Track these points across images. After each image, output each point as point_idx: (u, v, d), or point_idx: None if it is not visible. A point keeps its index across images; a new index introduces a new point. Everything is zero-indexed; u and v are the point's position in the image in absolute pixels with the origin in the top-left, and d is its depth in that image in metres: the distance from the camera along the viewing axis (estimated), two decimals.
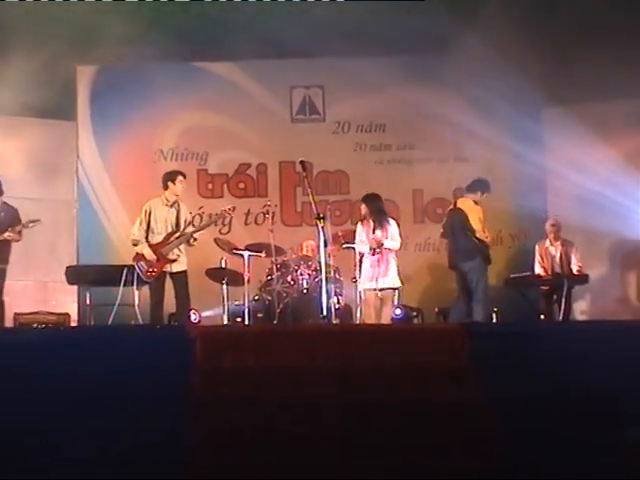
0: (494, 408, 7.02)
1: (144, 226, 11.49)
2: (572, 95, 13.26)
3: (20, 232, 11.46)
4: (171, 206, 11.57)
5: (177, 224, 11.52)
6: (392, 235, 11.84)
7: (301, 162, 11.67)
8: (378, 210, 12.00)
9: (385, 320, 11.66)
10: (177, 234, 11.44)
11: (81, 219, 15.02)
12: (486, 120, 13.99)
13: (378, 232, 11.79)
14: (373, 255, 11.68)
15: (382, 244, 11.68)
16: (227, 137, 15.31)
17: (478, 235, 11.62)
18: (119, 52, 15.01)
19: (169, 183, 11.60)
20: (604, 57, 12.60)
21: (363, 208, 12.14)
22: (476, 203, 11.85)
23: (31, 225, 11.59)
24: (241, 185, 15.37)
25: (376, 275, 11.69)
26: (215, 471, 6.39)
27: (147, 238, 11.43)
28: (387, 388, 7.31)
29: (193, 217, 12.49)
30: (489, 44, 12.82)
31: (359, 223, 12.17)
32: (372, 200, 12.10)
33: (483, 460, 6.62)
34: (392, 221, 12.07)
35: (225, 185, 15.35)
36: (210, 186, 15.06)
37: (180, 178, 11.64)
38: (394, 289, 11.92)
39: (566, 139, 13.74)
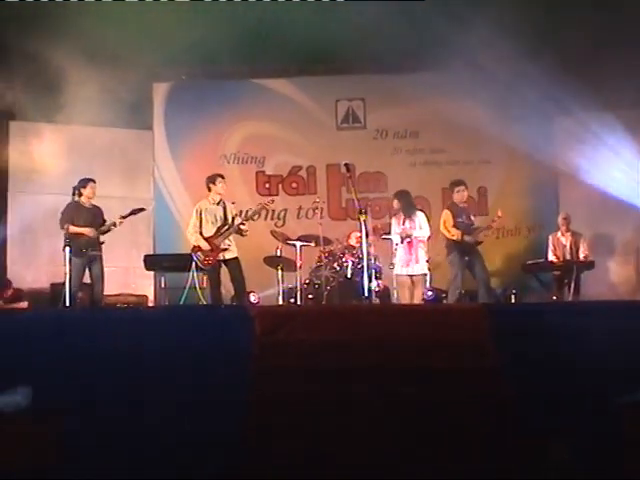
0: (511, 375, 7.10)
1: (197, 223, 11.54)
2: (580, 105, 13.20)
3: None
4: (217, 204, 11.57)
5: (225, 218, 11.56)
6: (420, 225, 11.87)
7: (345, 164, 11.77)
8: (407, 204, 12.04)
9: (417, 300, 11.70)
10: (226, 227, 11.49)
11: (157, 214, 15.17)
12: (506, 127, 13.93)
13: (407, 223, 11.84)
14: (403, 244, 11.74)
15: (410, 234, 11.73)
16: (281, 143, 15.38)
17: (448, 236, 11.89)
18: (189, 72, 15.26)
19: (211, 185, 11.60)
20: (610, 70, 12.64)
21: (395, 203, 12.16)
22: (449, 208, 12.17)
23: (137, 212, 11.80)
24: (294, 185, 15.44)
25: (407, 261, 11.76)
26: (272, 424, 6.54)
27: (201, 232, 11.52)
28: (419, 358, 7.39)
29: (247, 212, 12.49)
30: (507, 61, 12.85)
31: (393, 217, 12.22)
32: (402, 196, 12.14)
33: (500, 416, 6.71)
34: (420, 213, 12.09)
35: (280, 185, 15.43)
36: (267, 185, 15.16)
37: (219, 179, 11.64)
38: (423, 275, 11.96)
39: (575, 144, 13.72)
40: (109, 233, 11.63)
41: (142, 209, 11.89)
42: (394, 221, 12.09)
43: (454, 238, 11.85)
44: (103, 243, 11.60)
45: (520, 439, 6.49)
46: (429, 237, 12.01)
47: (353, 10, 11.94)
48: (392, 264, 11.98)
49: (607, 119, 13.60)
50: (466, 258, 11.71)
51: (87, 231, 11.33)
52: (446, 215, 12.05)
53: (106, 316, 9.29)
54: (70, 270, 10.94)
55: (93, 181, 11.72)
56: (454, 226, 11.91)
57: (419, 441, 6.44)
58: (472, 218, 12.15)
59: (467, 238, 11.80)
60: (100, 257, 11.51)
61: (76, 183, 11.59)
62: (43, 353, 7.31)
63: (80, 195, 11.52)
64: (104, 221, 11.62)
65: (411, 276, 11.83)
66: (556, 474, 6.20)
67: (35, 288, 13.54)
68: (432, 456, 6.34)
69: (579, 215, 13.42)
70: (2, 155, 14.32)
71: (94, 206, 11.73)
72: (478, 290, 11.70)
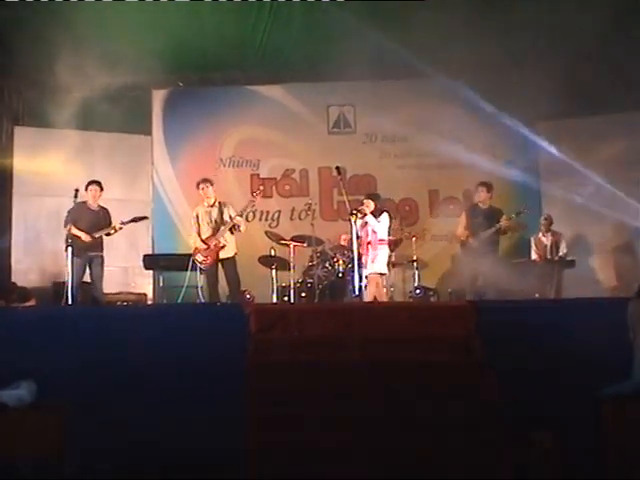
0: (495, 367, 7.13)
1: (196, 227, 11.72)
2: (561, 110, 13.22)
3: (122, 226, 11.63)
4: (212, 206, 11.69)
5: (222, 219, 11.60)
6: (377, 226, 11.15)
7: (337, 167, 11.79)
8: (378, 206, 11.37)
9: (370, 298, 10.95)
10: (222, 227, 11.54)
11: (155, 216, 15.11)
12: (489, 133, 13.97)
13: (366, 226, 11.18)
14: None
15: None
16: (275, 147, 15.36)
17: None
18: (186, 79, 15.26)
19: (200, 191, 11.83)
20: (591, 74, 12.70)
21: (368, 203, 11.24)
22: (467, 210, 12.36)
23: (139, 221, 11.80)
24: (287, 187, 15.42)
25: (366, 262, 11.04)
26: (268, 415, 6.55)
27: (199, 234, 11.60)
28: (408, 352, 7.42)
29: (242, 213, 12.45)
30: (490, 68, 12.90)
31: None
32: (375, 197, 11.57)
33: (484, 405, 6.75)
34: (384, 214, 11.27)
35: (274, 187, 15.39)
36: (261, 188, 15.11)
37: (202, 185, 11.82)
38: (380, 274, 11.22)
39: (556, 148, 13.75)
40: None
41: (144, 217, 11.92)
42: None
43: (461, 238, 12.11)
44: (103, 245, 11.61)
45: (504, 431, 6.52)
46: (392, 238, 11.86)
47: (341, 18, 11.90)
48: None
49: (589, 123, 13.67)
50: (473, 258, 11.69)
51: (83, 236, 11.31)
52: (462, 216, 12.28)
53: (107, 313, 9.32)
54: (72, 269, 10.94)
55: (97, 183, 11.71)
56: (465, 227, 12.08)
57: (406, 435, 6.47)
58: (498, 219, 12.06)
59: (471, 240, 11.85)
60: (101, 257, 11.50)
61: (78, 185, 11.60)
62: (46, 348, 7.33)
63: (76, 197, 11.48)
64: (110, 222, 11.62)
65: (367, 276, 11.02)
66: (539, 463, 6.23)
67: (39, 287, 13.50)
68: (419, 450, 6.37)
69: (560, 216, 13.41)
70: (7, 159, 14.31)
71: (101, 208, 11.73)
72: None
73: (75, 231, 11.30)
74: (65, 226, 11.38)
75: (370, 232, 11.07)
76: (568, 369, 7.31)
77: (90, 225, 11.44)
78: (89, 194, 11.61)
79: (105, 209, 11.75)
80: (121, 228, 11.59)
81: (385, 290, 11.58)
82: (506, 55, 12.57)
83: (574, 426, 6.67)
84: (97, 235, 11.44)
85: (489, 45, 11.86)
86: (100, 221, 11.57)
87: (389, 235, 11.49)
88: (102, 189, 11.78)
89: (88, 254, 11.32)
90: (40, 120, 14.24)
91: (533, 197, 14.41)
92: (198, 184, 11.86)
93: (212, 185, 11.94)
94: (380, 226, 11.10)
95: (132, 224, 11.84)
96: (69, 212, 11.49)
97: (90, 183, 11.71)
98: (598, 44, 12.34)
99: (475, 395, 6.92)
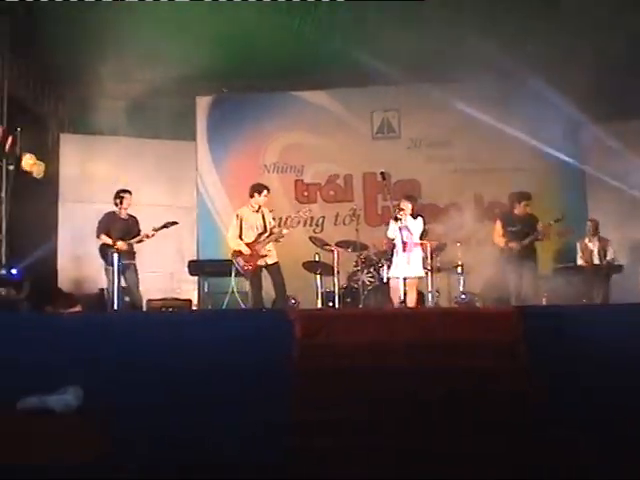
0: (542, 376, 7.06)
1: (237, 229, 11.56)
2: (607, 114, 13.12)
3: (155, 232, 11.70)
4: (257, 211, 11.60)
5: (264, 226, 11.58)
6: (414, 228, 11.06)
7: (381, 173, 11.73)
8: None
9: (411, 304, 10.93)
10: (265, 234, 11.49)
11: (200, 222, 15.27)
12: (536, 136, 13.88)
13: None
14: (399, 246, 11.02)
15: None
16: (319, 153, 15.40)
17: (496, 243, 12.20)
18: (231, 85, 15.34)
19: (255, 194, 11.58)
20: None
21: (405, 205, 11.20)
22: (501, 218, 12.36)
23: (170, 226, 11.82)
24: (331, 192, 15.46)
25: (402, 264, 10.92)
26: (313, 420, 6.54)
27: (241, 238, 11.53)
28: (453, 358, 7.38)
29: (286, 219, 12.41)
30: (537, 70, 12.81)
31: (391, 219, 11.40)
32: (412, 199, 11.47)
33: (531, 417, 6.68)
34: (419, 217, 11.15)
35: (318, 192, 15.45)
36: (306, 193, 15.16)
37: (265, 192, 11.62)
38: (418, 278, 11.19)
39: (602, 151, 13.64)
40: (154, 240, 11.71)
41: (174, 222, 11.92)
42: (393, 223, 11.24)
43: (501, 246, 11.99)
44: (135, 253, 11.74)
45: (551, 439, 6.45)
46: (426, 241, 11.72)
47: (385, 22, 11.90)
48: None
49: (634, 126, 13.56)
50: (515, 265, 11.60)
51: (120, 244, 11.45)
52: (497, 224, 12.21)
53: (152, 319, 9.36)
54: (111, 277, 11.10)
55: (129, 192, 11.86)
56: (502, 235, 11.99)
57: (451, 440, 6.42)
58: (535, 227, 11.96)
59: (511, 245, 11.75)
60: (134, 265, 11.62)
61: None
62: (92, 354, 7.37)
63: (116, 205, 11.66)
64: (139, 230, 11.73)
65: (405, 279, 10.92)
66: (584, 471, 6.16)
67: (85, 293, 13.63)
68: (463, 455, 6.32)
69: (607, 220, 13.29)
70: (53, 166, 14.46)
71: (130, 216, 11.88)
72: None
73: (107, 240, 11.48)
74: (97, 236, 11.58)
75: (407, 234, 10.96)
76: (616, 377, 7.23)
77: (122, 234, 11.62)
78: (123, 203, 11.73)
79: (134, 217, 11.91)
80: (153, 234, 11.68)
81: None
82: (553, 56, 12.46)
83: (622, 437, 6.58)
84: (132, 242, 11.57)
85: (537, 46, 11.80)
86: (131, 229, 11.74)
87: (422, 238, 11.37)
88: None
89: (122, 262, 11.42)
90: (86, 127, 14.43)
91: (579, 201, 14.31)
92: (261, 189, 11.66)
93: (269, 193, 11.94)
94: (416, 228, 11.06)
95: (176, 230, 11.93)
96: (100, 222, 11.69)
97: (123, 192, 11.84)
98: None
99: (521, 401, 6.87)
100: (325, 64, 14.41)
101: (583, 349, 7.41)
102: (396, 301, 10.89)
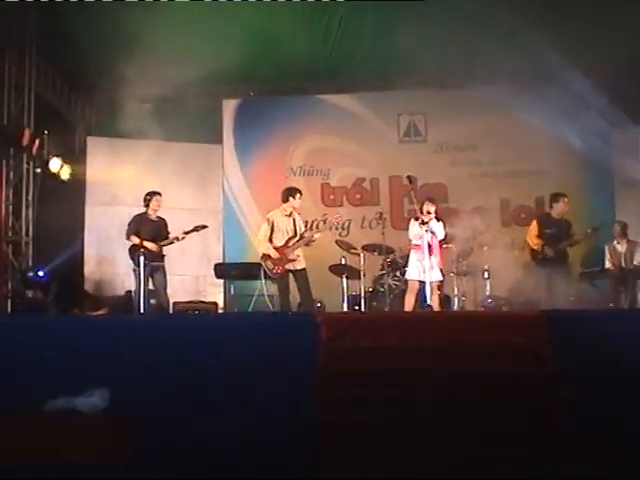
0: (570, 381, 7.02)
1: (268, 232, 11.45)
2: (635, 116, 13.07)
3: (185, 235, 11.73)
4: (289, 216, 11.53)
5: (295, 230, 11.54)
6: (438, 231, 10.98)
7: (407, 176, 11.68)
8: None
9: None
10: (296, 238, 11.46)
11: (226, 225, 15.31)
12: (562, 139, 13.82)
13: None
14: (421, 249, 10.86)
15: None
16: (345, 156, 15.41)
17: (531, 245, 12.09)
18: (257, 88, 15.39)
19: (290, 197, 11.46)
20: None
21: (430, 206, 11.09)
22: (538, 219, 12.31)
23: (200, 229, 11.84)
24: (357, 196, 15.47)
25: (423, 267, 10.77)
26: (339, 422, 6.55)
27: (271, 241, 11.49)
28: (478, 361, 7.35)
29: (312, 222, 12.41)
30: (564, 75, 12.75)
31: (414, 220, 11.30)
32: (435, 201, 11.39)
33: (559, 421, 6.65)
34: (440, 222, 11.10)
35: (344, 196, 15.47)
36: (332, 197, 15.18)
37: (299, 195, 11.53)
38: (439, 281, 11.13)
39: (631, 153, 13.59)
40: (181, 243, 11.75)
41: (204, 226, 11.93)
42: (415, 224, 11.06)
43: (535, 248, 11.91)
44: (165, 255, 11.74)
45: (580, 444, 6.42)
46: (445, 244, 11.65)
47: (411, 26, 11.87)
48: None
49: None
50: (546, 269, 11.56)
51: (150, 245, 11.45)
52: (533, 225, 12.12)
53: (178, 322, 9.39)
54: (139, 279, 11.11)
55: (159, 194, 11.83)
56: (538, 236, 11.91)
57: (482, 442, 6.42)
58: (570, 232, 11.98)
59: (546, 249, 11.70)
60: (162, 267, 11.63)
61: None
62: (119, 356, 7.40)
63: (147, 207, 11.68)
64: (168, 233, 11.75)
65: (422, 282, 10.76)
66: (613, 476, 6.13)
67: (111, 296, 13.69)
68: (492, 457, 6.31)
69: (636, 223, 13.20)
70: (80, 169, 14.54)
71: (159, 218, 11.86)
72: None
73: (137, 241, 11.49)
74: (127, 237, 11.58)
75: (431, 236, 10.85)
76: None
77: (151, 235, 11.60)
78: (152, 204, 11.74)
79: (163, 219, 11.89)
80: (184, 237, 11.70)
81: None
82: (581, 58, 12.40)
83: None
84: (163, 244, 11.59)
85: (565, 48, 11.76)
86: (160, 231, 11.72)
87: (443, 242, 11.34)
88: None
89: (151, 264, 11.44)
90: (112, 130, 14.48)
91: (606, 204, 14.24)
92: (295, 192, 11.56)
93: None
94: (440, 231, 11.02)
95: (202, 233, 11.96)
96: (130, 224, 11.68)
97: (154, 193, 11.83)
98: None
99: (548, 406, 6.84)
100: (352, 68, 14.45)
101: (610, 354, 7.37)
102: (412, 303, 10.92)
